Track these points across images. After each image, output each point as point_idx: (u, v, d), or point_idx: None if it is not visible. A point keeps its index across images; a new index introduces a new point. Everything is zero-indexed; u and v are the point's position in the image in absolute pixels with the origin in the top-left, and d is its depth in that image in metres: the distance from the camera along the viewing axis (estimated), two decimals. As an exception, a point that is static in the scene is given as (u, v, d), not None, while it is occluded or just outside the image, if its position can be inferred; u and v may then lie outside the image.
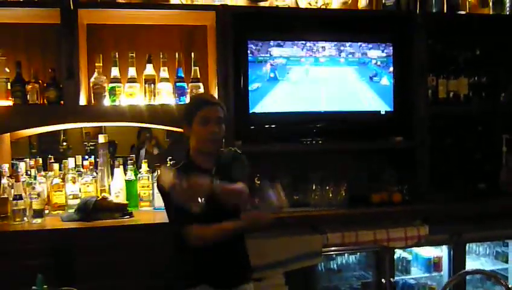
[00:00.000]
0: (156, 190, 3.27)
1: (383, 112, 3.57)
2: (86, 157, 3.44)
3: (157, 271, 2.83)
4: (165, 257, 2.71)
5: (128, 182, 3.35)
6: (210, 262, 2.45)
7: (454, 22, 3.65)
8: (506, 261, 3.67)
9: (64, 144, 4.78)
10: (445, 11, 3.62)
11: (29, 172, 3.29)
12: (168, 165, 3.07)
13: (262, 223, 2.43)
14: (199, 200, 2.24)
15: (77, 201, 3.24)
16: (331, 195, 3.39)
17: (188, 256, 2.47)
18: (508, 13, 3.73)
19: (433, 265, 3.49)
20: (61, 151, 4.67)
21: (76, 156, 3.44)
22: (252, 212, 2.43)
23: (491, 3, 3.71)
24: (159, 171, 3.19)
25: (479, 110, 3.76)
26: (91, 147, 4.78)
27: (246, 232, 2.52)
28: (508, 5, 3.73)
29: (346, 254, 3.41)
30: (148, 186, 3.35)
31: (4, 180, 3.06)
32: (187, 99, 3.28)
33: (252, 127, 3.37)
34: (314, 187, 3.39)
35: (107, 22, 3.42)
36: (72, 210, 3.17)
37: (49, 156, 3.50)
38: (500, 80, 3.80)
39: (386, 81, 3.56)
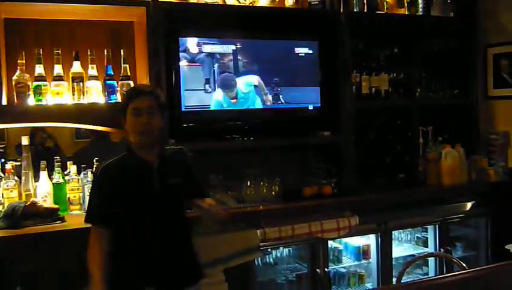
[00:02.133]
0: (86, 193, 3.17)
1: (311, 108, 3.68)
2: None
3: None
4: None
5: (56, 185, 3.18)
6: (154, 263, 2.39)
7: (375, 21, 3.82)
8: (426, 246, 3.91)
9: (-29, 146, 4.46)
10: (365, 10, 3.79)
11: None
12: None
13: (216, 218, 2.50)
14: None
15: (0, 207, 3.05)
16: (265, 191, 3.43)
17: (126, 259, 2.41)
18: (421, 13, 3.98)
19: (362, 253, 3.65)
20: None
21: (-3, 159, 3.23)
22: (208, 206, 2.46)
23: (406, 4, 3.93)
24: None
25: (398, 104, 3.98)
26: (1, 150, 4.49)
27: None
28: (420, 6, 3.98)
29: (281, 248, 3.47)
30: (78, 189, 3.21)
31: None
32: (117, 98, 3.19)
33: (184, 125, 3.34)
34: (248, 183, 3.42)
35: (27, 17, 3.22)
36: (-4, 217, 2.97)
37: (-37, 161, 3.25)
38: (415, 76, 4.04)
39: (313, 77, 3.67)
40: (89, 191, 2.55)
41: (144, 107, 2.38)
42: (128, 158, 2.44)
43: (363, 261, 3.68)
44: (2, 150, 4.54)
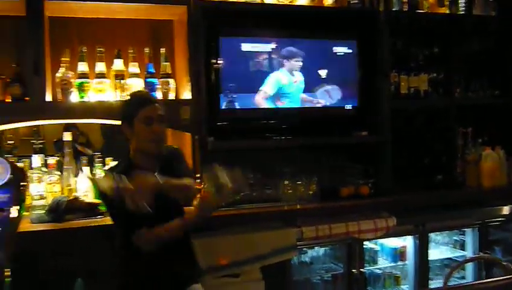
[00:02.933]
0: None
1: (348, 107, 3.66)
2: (38, 155, 3.32)
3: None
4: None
5: (96, 180, 3.24)
6: (157, 266, 2.38)
7: (415, 20, 3.78)
8: (464, 249, 3.85)
9: (10, 142, 4.56)
10: (405, 9, 3.75)
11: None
12: (106, 169, 2.95)
13: (213, 208, 2.33)
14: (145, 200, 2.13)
15: (43, 202, 3.12)
16: (302, 190, 3.43)
17: (134, 263, 2.40)
18: (462, 12, 3.91)
19: (399, 255, 3.62)
20: (7, 150, 4.46)
21: (39, 155, 3.30)
22: (202, 199, 2.30)
23: (447, 3, 3.87)
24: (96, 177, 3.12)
25: (437, 105, 3.93)
26: (40, 146, 4.58)
27: (197, 225, 2.39)
28: (461, 5, 3.91)
29: (317, 247, 3.46)
30: (117, 185, 3.26)
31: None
32: (158, 95, 3.23)
33: (223, 124, 3.36)
34: (285, 182, 3.42)
35: (71, 15, 3.29)
36: (40, 211, 3.04)
37: (5, 156, 3.32)
38: (455, 76, 3.98)
39: (351, 77, 3.65)
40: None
41: (155, 115, 2.37)
42: (129, 168, 2.34)
43: (399, 263, 3.65)
44: (41, 146, 4.66)
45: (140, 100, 2.45)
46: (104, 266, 2.69)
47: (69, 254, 2.74)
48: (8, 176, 2.25)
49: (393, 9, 3.70)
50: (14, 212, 2.29)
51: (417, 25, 3.79)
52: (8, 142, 4.61)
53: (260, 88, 3.43)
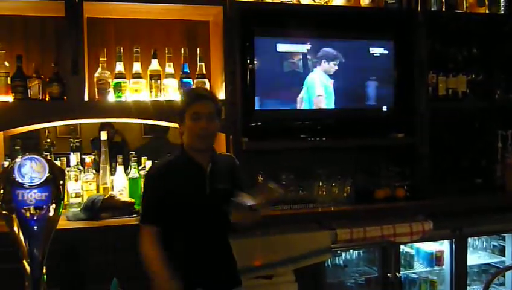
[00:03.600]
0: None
1: (384, 109, 3.61)
2: (76, 153, 3.37)
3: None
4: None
5: (132, 179, 3.27)
6: (200, 266, 2.38)
7: (453, 20, 3.70)
8: (503, 255, 3.75)
9: (48, 140, 4.65)
10: (444, 9, 3.68)
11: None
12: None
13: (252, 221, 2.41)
14: None
15: (79, 199, 3.17)
16: (336, 192, 3.40)
17: (174, 260, 2.34)
18: (502, 12, 3.82)
19: (435, 259, 3.55)
20: (45, 148, 4.55)
21: (71, 154, 3.35)
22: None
23: (487, 3, 3.78)
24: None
25: (476, 107, 3.84)
26: (77, 144, 4.65)
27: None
28: (502, 4, 3.81)
29: (351, 250, 3.42)
30: (152, 184, 3.28)
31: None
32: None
33: (258, 124, 3.35)
34: (320, 184, 3.39)
35: (108, 16, 3.33)
36: (76, 209, 3.09)
37: (45, 154, 3.38)
38: (495, 78, 3.88)
39: (388, 78, 3.60)
40: (142, 191, 2.54)
41: (204, 112, 2.37)
42: (181, 160, 2.44)
43: (436, 268, 3.57)
44: (78, 144, 4.73)
45: (191, 96, 2.51)
46: (139, 265, 2.71)
47: (104, 252, 2.77)
48: (46, 174, 2.27)
49: (432, 9, 3.63)
50: (51, 211, 2.31)
51: (456, 25, 3.71)
52: (47, 140, 4.74)
53: (296, 89, 3.41)
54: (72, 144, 4.77)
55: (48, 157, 2.59)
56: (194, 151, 2.43)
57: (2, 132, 3.32)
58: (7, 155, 3.48)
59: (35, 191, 2.28)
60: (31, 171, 2.27)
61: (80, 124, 3.86)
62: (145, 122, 3.22)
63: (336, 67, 3.46)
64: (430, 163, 3.57)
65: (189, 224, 2.38)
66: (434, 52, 3.69)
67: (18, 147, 4.38)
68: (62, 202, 2.36)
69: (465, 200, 3.58)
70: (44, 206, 2.28)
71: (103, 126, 3.98)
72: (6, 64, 3.05)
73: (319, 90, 3.45)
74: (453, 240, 3.48)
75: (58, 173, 2.35)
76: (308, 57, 3.43)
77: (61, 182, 2.35)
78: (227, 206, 2.37)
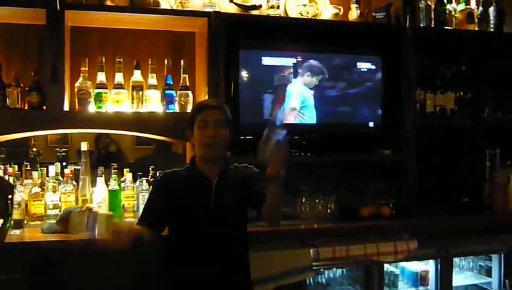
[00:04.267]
0: (141, 200, 3.17)
1: (371, 125, 3.56)
2: (58, 163, 3.31)
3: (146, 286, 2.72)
4: (154, 269, 2.64)
5: (111, 192, 3.20)
6: (206, 280, 2.36)
7: (442, 37, 3.67)
8: (490, 275, 3.69)
9: (34, 149, 4.59)
10: (432, 25, 3.65)
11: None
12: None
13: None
14: None
15: (57, 211, 3.09)
16: (320, 208, 3.34)
17: (181, 270, 2.39)
18: (492, 30, 3.79)
19: (420, 279, 3.47)
20: (31, 157, 4.48)
21: (55, 163, 3.29)
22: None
23: (476, 20, 3.75)
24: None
25: (464, 124, 3.79)
26: (63, 154, 4.59)
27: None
28: (492, 22, 3.79)
29: (334, 268, 3.35)
30: (132, 197, 3.20)
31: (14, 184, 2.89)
32: (175, 108, 3.19)
33: (241, 138, 3.29)
34: (303, 200, 3.33)
35: (92, 25, 3.29)
36: (52, 221, 3.01)
37: (25, 163, 3.32)
38: (483, 95, 3.84)
39: (375, 94, 3.55)
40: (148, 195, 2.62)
41: (211, 120, 2.39)
42: (190, 171, 2.45)
43: (421, 288, 3.49)
44: (64, 154, 4.66)
45: (199, 106, 2.54)
46: (113, 280, 2.65)
47: (77, 266, 2.69)
48: None
49: (420, 25, 3.60)
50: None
51: (444, 42, 3.68)
52: (33, 149, 4.67)
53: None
54: (58, 154, 4.72)
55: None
56: (204, 163, 2.43)
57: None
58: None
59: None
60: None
61: (71, 133, 3.78)
62: (126, 133, 3.16)
63: (317, 82, 3.41)
64: (416, 181, 3.51)
65: (193, 236, 2.37)
66: (422, 68, 3.64)
67: (3, 156, 4.34)
68: (10, 216, 2.30)
69: (452, 219, 3.51)
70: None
71: (99, 136, 3.94)
72: (-14, 72, 2.99)
73: (293, 103, 3.38)
74: (439, 259, 3.41)
75: (6, 188, 2.30)
76: (293, 70, 3.38)
77: (10, 196, 2.30)
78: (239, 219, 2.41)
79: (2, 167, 3.24)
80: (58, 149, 4.64)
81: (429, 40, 3.61)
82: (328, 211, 3.34)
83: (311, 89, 3.41)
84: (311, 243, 3.12)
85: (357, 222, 3.36)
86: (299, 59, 3.39)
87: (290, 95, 3.37)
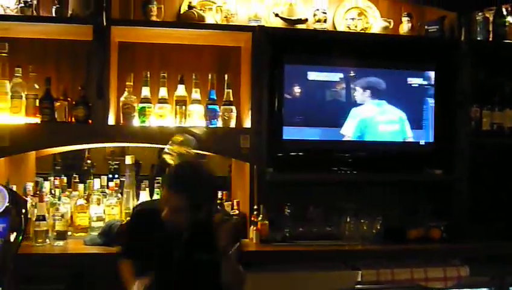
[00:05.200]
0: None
1: (422, 143, 3.41)
2: (110, 176, 3.35)
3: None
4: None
5: (154, 205, 3.21)
6: None
7: (501, 50, 3.48)
8: (550, 306, 3.44)
9: (89, 161, 4.72)
10: (490, 39, 3.46)
11: (53, 191, 3.20)
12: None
13: None
14: None
15: (101, 223, 3.13)
16: (365, 228, 3.21)
17: None
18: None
19: (471, 308, 3.29)
20: (85, 169, 4.60)
21: (102, 176, 3.35)
22: None
23: (539, 33, 3.53)
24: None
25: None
26: (115, 166, 4.69)
27: None
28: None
29: (378, 292, 3.22)
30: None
31: (28, 199, 2.96)
32: (219, 122, 3.17)
33: (284, 155, 3.23)
34: (347, 219, 3.22)
35: (139, 41, 3.34)
36: (95, 233, 3.05)
37: (74, 175, 3.38)
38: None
39: (427, 110, 3.41)
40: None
41: (171, 203, 2.11)
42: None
43: (472, 317, 3.31)
44: (116, 167, 4.76)
45: (169, 178, 2.23)
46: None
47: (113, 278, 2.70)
48: (6, 204, 2.25)
49: (477, 38, 3.43)
50: (11, 238, 2.31)
51: (503, 56, 3.47)
52: (87, 161, 4.81)
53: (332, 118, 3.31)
54: (110, 166, 4.83)
55: (10, 187, 2.59)
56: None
57: (34, 152, 3.34)
58: (40, 173, 3.51)
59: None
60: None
61: (128, 146, 3.82)
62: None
63: (370, 97, 3.32)
64: (469, 202, 3.34)
65: (164, 278, 2.18)
66: (479, 84, 3.47)
67: (59, 167, 4.49)
68: (23, 231, 2.35)
69: (508, 244, 3.30)
70: (1, 238, 2.28)
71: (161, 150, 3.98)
72: (36, 86, 3.07)
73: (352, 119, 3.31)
74: (492, 288, 3.21)
75: (20, 203, 2.35)
76: (342, 86, 3.30)
77: (23, 211, 2.35)
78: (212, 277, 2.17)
79: (52, 179, 3.33)
80: (110, 162, 4.76)
81: (486, 54, 3.44)
82: (373, 231, 3.22)
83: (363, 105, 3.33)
84: (354, 265, 3.02)
85: (403, 244, 3.21)
86: (346, 74, 3.30)
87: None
